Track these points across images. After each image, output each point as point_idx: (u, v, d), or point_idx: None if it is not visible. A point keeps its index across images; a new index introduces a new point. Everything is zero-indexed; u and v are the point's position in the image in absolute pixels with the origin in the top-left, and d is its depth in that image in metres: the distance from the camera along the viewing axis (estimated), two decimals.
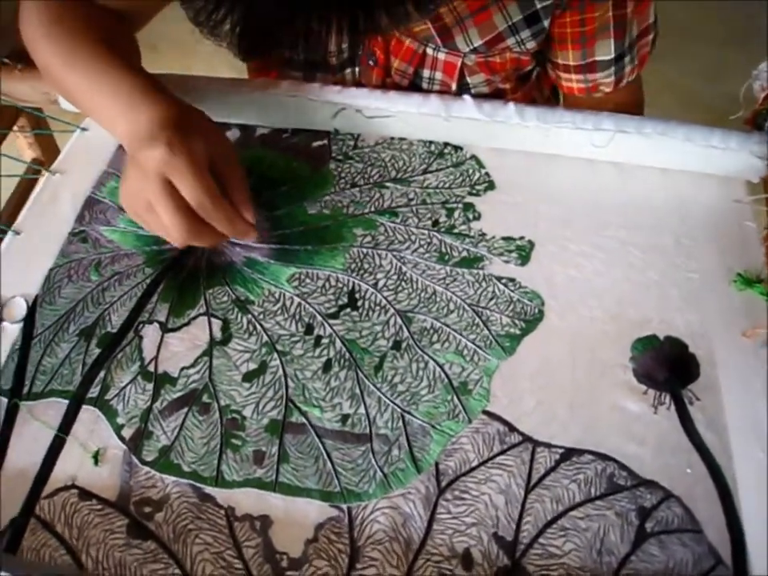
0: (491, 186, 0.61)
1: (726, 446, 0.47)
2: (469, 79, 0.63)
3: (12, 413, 0.49)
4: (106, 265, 0.57)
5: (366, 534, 0.45)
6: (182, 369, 0.51)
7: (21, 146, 0.78)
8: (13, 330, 0.53)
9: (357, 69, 0.66)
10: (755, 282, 0.54)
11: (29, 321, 0.54)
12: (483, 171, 0.62)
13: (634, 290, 0.55)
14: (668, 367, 0.51)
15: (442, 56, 0.62)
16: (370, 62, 0.64)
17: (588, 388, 0.50)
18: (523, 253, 0.57)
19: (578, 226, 0.58)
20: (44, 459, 0.47)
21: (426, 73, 0.64)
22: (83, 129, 0.65)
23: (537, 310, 0.54)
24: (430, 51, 0.62)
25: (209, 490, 0.46)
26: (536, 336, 0.53)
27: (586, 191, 0.61)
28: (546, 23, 0.59)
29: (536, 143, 0.62)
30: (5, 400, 0.50)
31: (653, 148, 0.59)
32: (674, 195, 0.60)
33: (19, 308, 0.54)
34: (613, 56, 0.62)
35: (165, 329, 0.53)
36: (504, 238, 0.58)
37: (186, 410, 0.49)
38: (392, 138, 0.64)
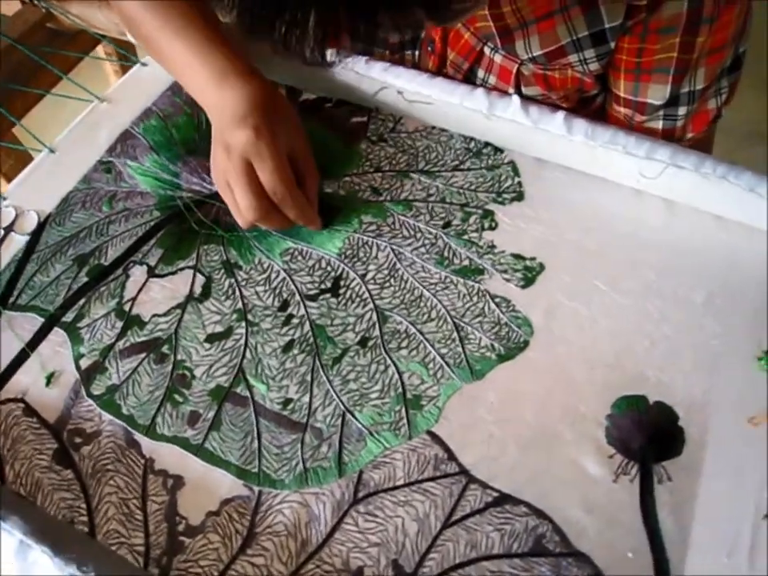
0: (519, 196, 0.56)
1: (685, 539, 0.42)
2: (524, 90, 0.58)
3: None
4: (119, 199, 0.58)
5: (266, 523, 0.43)
6: (153, 315, 0.52)
7: (107, 71, 0.82)
8: (19, 242, 0.56)
9: (417, 52, 0.63)
10: None
11: (35, 236, 0.56)
12: (516, 180, 0.57)
13: (640, 342, 0.49)
14: (646, 436, 0.45)
15: (498, 59, 0.57)
16: (429, 48, 0.61)
17: (549, 434, 0.46)
18: (529, 275, 0.52)
19: (603, 259, 0.53)
20: (6, 368, 0.50)
21: (481, 73, 0.60)
22: (143, 64, 0.67)
23: (522, 339, 0.49)
24: (487, 51, 0.58)
25: (138, 437, 0.47)
26: (512, 365, 0.48)
27: (623, 223, 0.54)
28: (612, 45, 0.53)
29: (580, 161, 0.56)
30: None
31: (709, 190, 0.52)
32: (723, 247, 0.52)
33: (30, 222, 0.57)
34: (665, 101, 0.55)
35: (151, 273, 0.54)
36: (514, 255, 0.53)
37: (143, 355, 0.50)
38: (432, 128, 0.61)
